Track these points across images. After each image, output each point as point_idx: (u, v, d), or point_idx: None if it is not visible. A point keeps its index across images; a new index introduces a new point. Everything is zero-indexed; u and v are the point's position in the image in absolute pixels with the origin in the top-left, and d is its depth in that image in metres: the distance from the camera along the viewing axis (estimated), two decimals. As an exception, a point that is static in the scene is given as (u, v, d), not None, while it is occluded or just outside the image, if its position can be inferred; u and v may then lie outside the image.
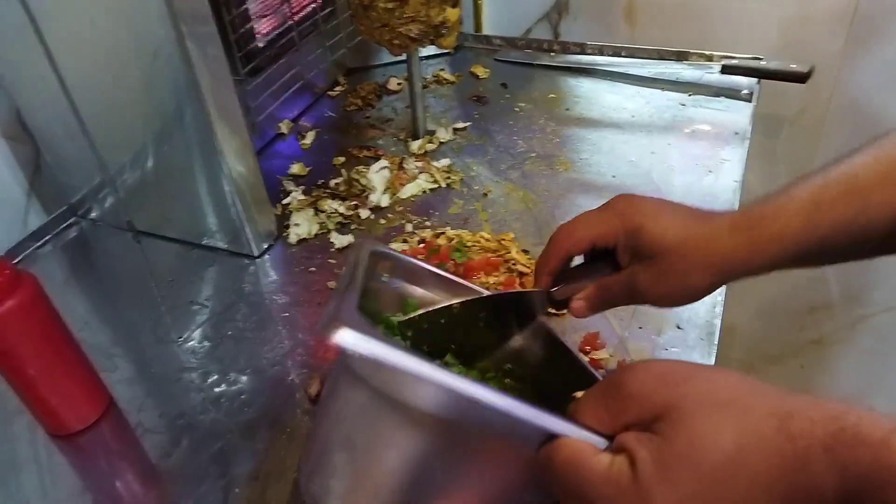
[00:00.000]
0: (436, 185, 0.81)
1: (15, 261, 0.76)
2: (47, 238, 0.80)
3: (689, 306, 0.62)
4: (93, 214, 0.81)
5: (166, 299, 0.70)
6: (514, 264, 0.66)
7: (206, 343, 0.64)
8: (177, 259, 0.75)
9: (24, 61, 0.67)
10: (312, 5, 0.92)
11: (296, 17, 0.89)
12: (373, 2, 0.72)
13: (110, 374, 0.61)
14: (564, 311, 0.49)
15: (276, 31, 0.87)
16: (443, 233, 0.71)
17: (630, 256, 0.45)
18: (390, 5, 0.72)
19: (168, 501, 0.52)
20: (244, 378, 0.61)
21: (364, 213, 0.78)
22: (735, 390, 0.30)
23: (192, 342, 0.65)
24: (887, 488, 0.26)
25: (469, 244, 0.68)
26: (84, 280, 0.76)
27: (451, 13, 0.75)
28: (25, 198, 0.82)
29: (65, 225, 0.81)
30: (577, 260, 0.49)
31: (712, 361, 0.57)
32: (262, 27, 0.85)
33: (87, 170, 0.75)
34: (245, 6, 0.80)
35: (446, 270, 0.54)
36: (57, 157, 0.76)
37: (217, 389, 0.60)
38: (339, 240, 0.74)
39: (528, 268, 0.67)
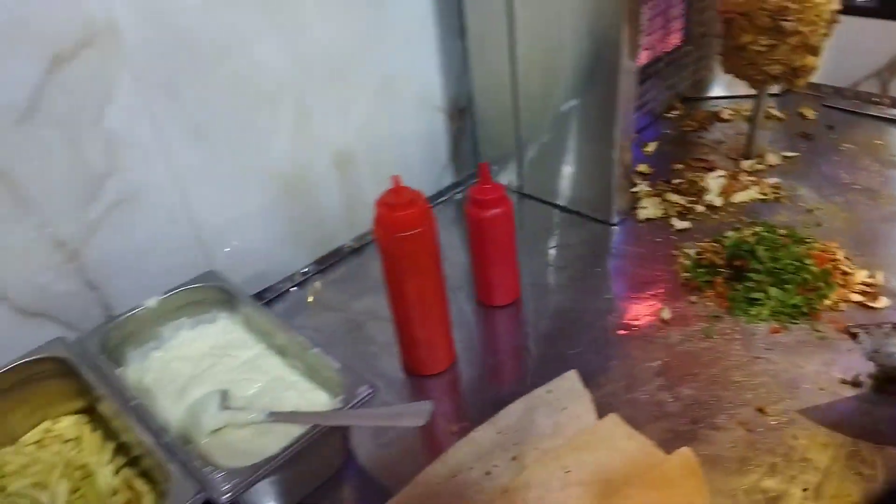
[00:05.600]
0: (765, 197, 0.98)
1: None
2: (453, 193, 1.12)
3: None
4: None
5: (531, 250, 0.95)
6: (838, 263, 0.81)
7: (570, 281, 0.89)
8: (549, 219, 1.02)
9: (493, 61, 0.97)
10: (676, 43, 1.15)
11: (664, 52, 1.13)
12: (747, 45, 0.92)
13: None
14: None
15: (648, 62, 1.12)
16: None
17: None
18: (762, 49, 0.91)
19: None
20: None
21: (699, 209, 0.98)
22: None
23: (561, 280, 0.90)
24: None
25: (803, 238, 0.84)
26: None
27: (811, 60, 0.92)
28: (446, 161, 1.15)
29: (468, 185, 1.13)
30: None
31: None
32: (641, 58, 1.10)
33: (502, 143, 1.05)
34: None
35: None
36: (485, 133, 1.08)
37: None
38: (679, 223, 0.95)
39: (850, 270, 0.81)
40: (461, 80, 1.08)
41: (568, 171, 0.99)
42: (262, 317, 0.74)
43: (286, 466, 0.58)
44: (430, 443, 0.69)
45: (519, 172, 1.06)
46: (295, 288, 0.93)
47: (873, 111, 1.17)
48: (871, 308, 0.76)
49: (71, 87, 0.67)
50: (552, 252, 0.94)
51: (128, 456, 0.67)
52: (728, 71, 1.00)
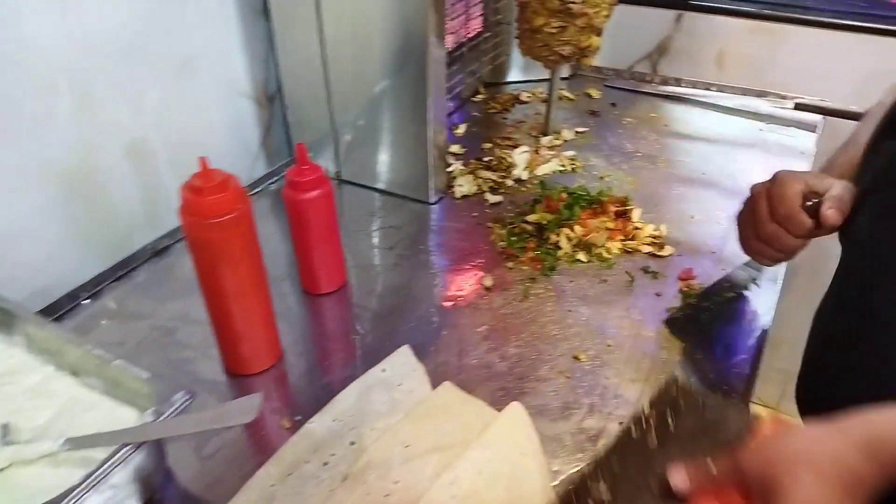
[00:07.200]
0: (564, 168, 1.06)
1: (254, 190, 1.03)
2: (267, 183, 1.07)
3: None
4: (305, 165, 1.08)
5: (354, 234, 0.95)
6: (630, 212, 0.91)
7: (395, 260, 0.90)
8: (369, 203, 1.01)
9: (300, 43, 0.94)
10: (478, 30, 1.20)
11: (466, 38, 1.17)
12: (540, 27, 0.98)
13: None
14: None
15: (453, 48, 1.15)
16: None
17: None
18: (554, 30, 0.98)
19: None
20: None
21: (509, 182, 1.03)
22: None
23: (386, 261, 0.90)
24: None
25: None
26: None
27: (595, 40, 1.01)
28: (257, 150, 1.10)
29: (283, 175, 1.08)
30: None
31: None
32: (447, 43, 1.12)
33: (315, 129, 1.02)
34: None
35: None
36: (296, 118, 1.04)
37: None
38: (492, 198, 0.99)
39: (640, 225, 0.90)
40: (268, 63, 1.03)
41: (384, 153, 0.99)
42: (49, 334, 0.64)
43: (90, 500, 0.51)
44: (261, 445, 0.65)
45: (335, 158, 1.04)
46: (87, 300, 0.82)
47: (647, 89, 1.32)
48: (659, 256, 0.86)
49: None
50: (375, 234, 0.94)
51: None
52: (525, 53, 1.06)
